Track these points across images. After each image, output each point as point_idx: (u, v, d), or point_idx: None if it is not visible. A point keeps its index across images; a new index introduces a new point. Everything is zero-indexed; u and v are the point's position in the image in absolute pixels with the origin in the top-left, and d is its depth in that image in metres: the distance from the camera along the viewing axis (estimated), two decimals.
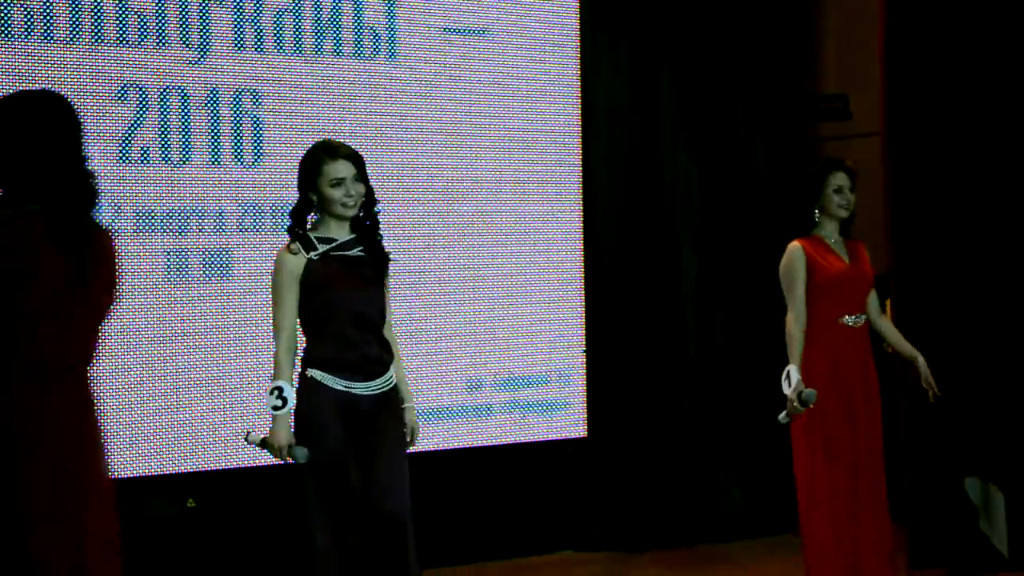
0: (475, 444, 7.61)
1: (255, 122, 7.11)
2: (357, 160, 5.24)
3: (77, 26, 6.67)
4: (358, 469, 5.12)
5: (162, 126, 6.87)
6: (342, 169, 5.19)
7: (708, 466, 8.53)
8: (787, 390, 6.04)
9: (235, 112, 7.05)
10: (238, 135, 7.07)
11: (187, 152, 6.94)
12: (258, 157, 7.11)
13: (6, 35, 6.53)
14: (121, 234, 6.70)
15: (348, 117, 7.31)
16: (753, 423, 8.57)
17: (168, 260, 6.88)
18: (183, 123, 6.93)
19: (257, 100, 7.12)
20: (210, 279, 6.97)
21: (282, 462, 5.16)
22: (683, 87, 8.55)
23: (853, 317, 6.23)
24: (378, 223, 5.30)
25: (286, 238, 6.97)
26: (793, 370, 6.06)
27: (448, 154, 7.58)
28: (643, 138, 8.44)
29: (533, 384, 7.76)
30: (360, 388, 5.18)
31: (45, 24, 6.61)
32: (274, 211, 7.11)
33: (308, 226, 5.25)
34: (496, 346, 7.65)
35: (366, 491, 5.13)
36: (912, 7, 7.58)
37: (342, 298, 5.17)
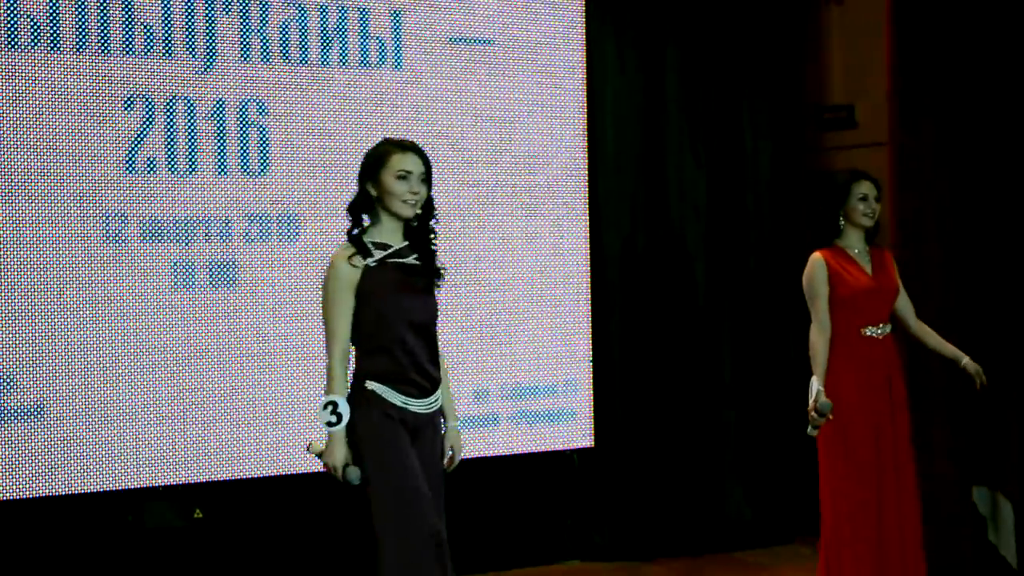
0: (482, 454, 7.60)
1: (261, 132, 7.11)
2: (426, 160, 5.02)
3: (84, 35, 6.68)
4: (420, 481, 4.91)
5: (168, 136, 6.87)
6: (410, 162, 4.97)
7: (715, 475, 8.52)
8: (810, 401, 6.04)
9: (241, 122, 7.06)
10: (244, 145, 7.07)
11: (193, 162, 6.94)
12: (264, 167, 7.11)
13: (13, 44, 6.53)
14: (127, 243, 6.75)
15: (354, 127, 7.30)
16: (760, 433, 8.57)
17: (174, 270, 6.87)
18: (189, 133, 6.93)
19: (263, 110, 7.12)
20: (216, 289, 6.97)
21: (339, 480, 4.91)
22: (690, 96, 8.54)
23: (876, 328, 6.21)
24: (434, 233, 5.09)
25: (292, 248, 7.05)
26: (815, 381, 6.07)
27: (454, 164, 7.57)
28: (650, 147, 8.44)
29: (540, 394, 7.75)
30: (416, 406, 4.96)
31: (51, 33, 6.61)
32: (280, 221, 7.12)
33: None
34: (503, 356, 7.65)
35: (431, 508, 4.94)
36: (918, 17, 7.58)
37: (400, 308, 4.95)
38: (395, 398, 4.92)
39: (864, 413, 6.15)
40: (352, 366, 5.01)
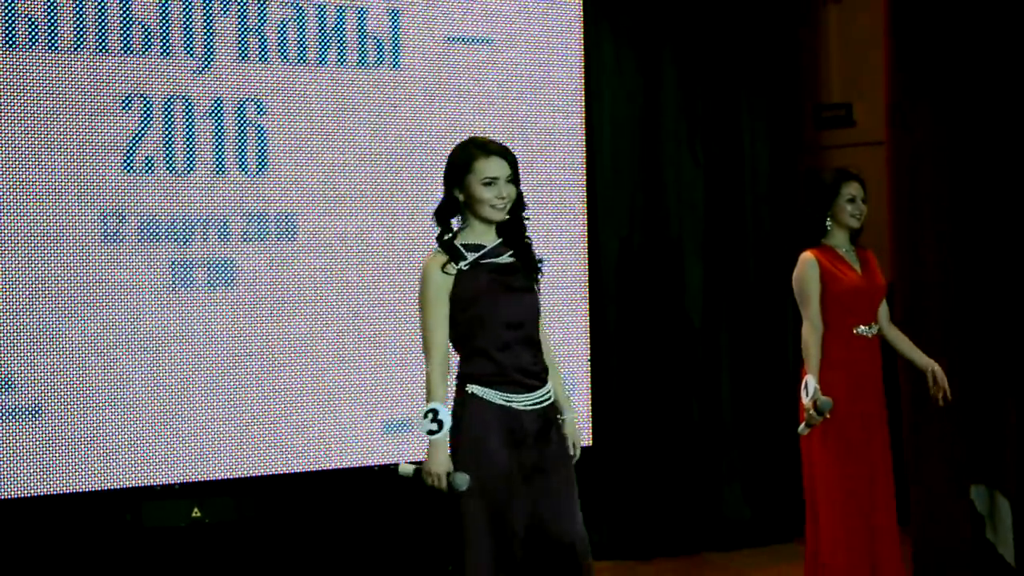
0: None
1: (259, 131, 7.11)
2: (511, 159, 4.93)
3: (82, 34, 6.68)
4: (525, 491, 4.84)
5: (166, 135, 6.87)
6: (495, 167, 4.89)
7: (713, 475, 8.52)
8: (805, 400, 6.04)
9: (239, 121, 7.06)
10: (242, 145, 7.07)
11: (191, 161, 6.94)
12: (262, 167, 7.11)
13: (11, 42, 6.53)
14: (125, 244, 6.76)
15: (352, 127, 7.31)
16: (758, 432, 8.57)
17: (172, 269, 6.87)
18: (187, 132, 6.93)
19: (261, 110, 7.12)
20: (214, 289, 6.97)
21: (442, 490, 4.83)
22: (687, 96, 8.55)
23: (867, 327, 6.23)
24: (526, 227, 5.01)
25: (290, 247, 7.04)
26: (810, 380, 6.07)
27: None
28: (648, 148, 8.45)
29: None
30: (520, 402, 4.88)
31: (50, 32, 6.61)
32: (278, 220, 7.12)
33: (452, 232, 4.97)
34: None
35: (535, 515, 4.85)
36: (916, 16, 7.57)
37: (495, 309, 4.88)
38: (496, 398, 4.85)
39: (856, 411, 6.17)
40: (454, 371, 4.95)
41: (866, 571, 6.22)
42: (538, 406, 4.91)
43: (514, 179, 4.91)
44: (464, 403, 4.88)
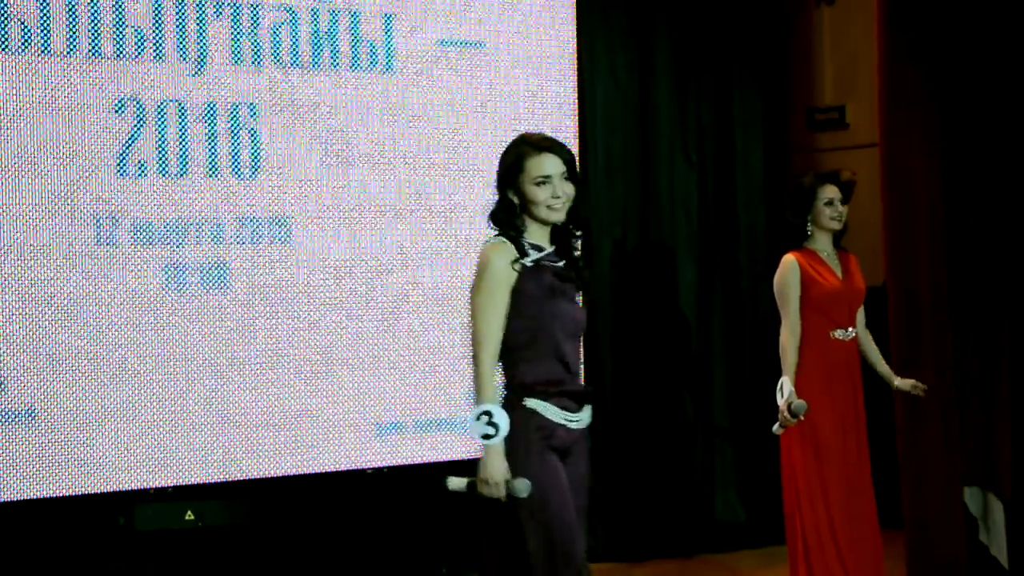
0: (474, 456, 7.58)
1: (252, 135, 7.11)
2: (566, 155, 4.59)
3: (74, 38, 6.68)
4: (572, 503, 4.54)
5: (160, 139, 6.87)
6: (549, 165, 4.54)
7: (706, 477, 8.53)
8: (780, 401, 6.08)
9: (232, 125, 7.06)
10: (235, 148, 7.07)
11: (184, 164, 6.94)
12: (255, 170, 7.11)
13: (3, 47, 6.53)
14: (118, 246, 6.76)
15: (345, 130, 7.32)
16: (751, 434, 8.58)
17: (165, 273, 6.87)
18: (180, 136, 6.93)
19: (254, 113, 7.12)
20: (207, 291, 6.97)
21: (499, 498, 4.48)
22: (680, 98, 8.56)
23: (844, 331, 6.26)
24: (577, 238, 4.69)
25: (283, 250, 7.03)
26: (786, 382, 6.11)
27: (446, 166, 7.58)
28: (640, 148, 8.46)
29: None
30: (572, 422, 4.58)
31: (42, 37, 6.61)
32: (271, 224, 7.12)
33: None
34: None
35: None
36: (909, 17, 7.58)
37: (558, 314, 4.54)
38: (554, 414, 4.53)
39: (833, 414, 6.21)
40: (500, 377, 4.61)
41: (847, 571, 6.24)
42: (580, 426, 4.63)
43: (571, 176, 4.58)
44: (517, 414, 4.50)
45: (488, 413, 4.43)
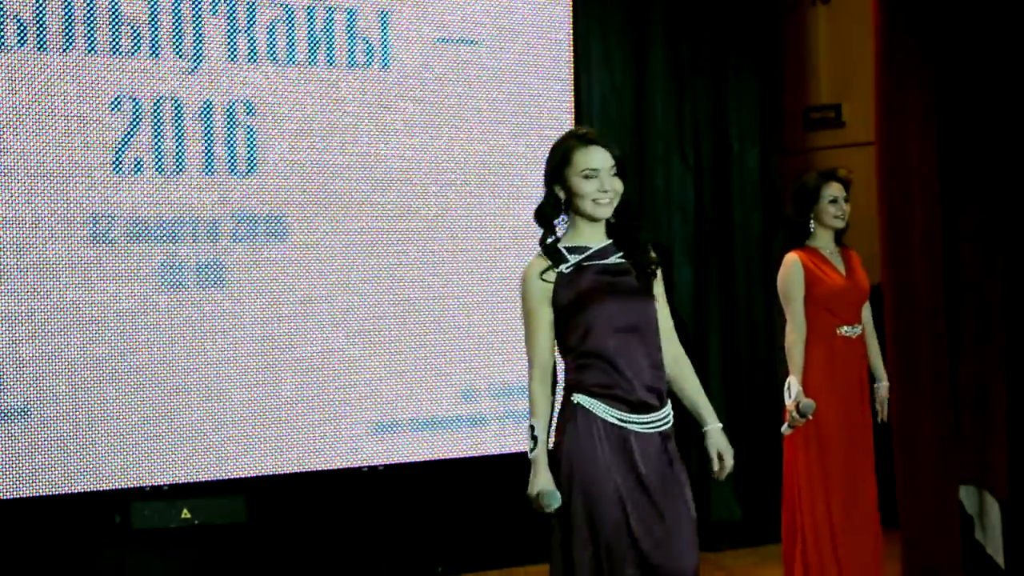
0: (470, 454, 7.61)
1: (248, 132, 7.11)
2: (616, 151, 4.46)
3: (70, 36, 6.68)
4: (637, 517, 4.35)
5: (156, 137, 6.88)
6: (597, 158, 4.42)
7: (702, 475, 8.51)
8: (788, 402, 6.06)
9: (228, 122, 7.06)
10: (231, 145, 7.07)
11: (180, 162, 6.94)
12: (252, 167, 7.11)
13: (0, 45, 6.53)
14: (115, 244, 6.75)
15: (341, 127, 7.32)
16: (748, 432, 8.58)
17: (161, 270, 6.88)
18: (177, 133, 6.93)
19: (250, 110, 7.12)
20: (203, 289, 6.97)
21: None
22: (677, 97, 8.56)
23: (850, 328, 6.25)
24: (638, 226, 4.55)
25: (279, 248, 7.03)
26: (793, 381, 6.09)
27: (442, 164, 7.59)
28: (637, 148, 8.45)
29: (527, 393, 7.72)
30: (636, 424, 4.40)
31: (39, 34, 6.61)
32: (268, 221, 7.12)
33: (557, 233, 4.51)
34: (490, 355, 7.64)
35: (641, 545, 4.35)
36: (905, 16, 7.58)
37: (605, 314, 4.39)
38: (607, 414, 4.39)
39: (838, 413, 6.19)
40: (562, 381, 4.50)
41: (846, 571, 6.24)
42: (653, 429, 4.43)
43: (620, 172, 4.46)
44: (571, 414, 4.40)
45: (531, 428, 4.38)
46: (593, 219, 4.47)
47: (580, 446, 4.36)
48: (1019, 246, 7.58)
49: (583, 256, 4.45)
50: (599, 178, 4.41)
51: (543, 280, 4.42)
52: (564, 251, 4.45)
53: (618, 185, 4.44)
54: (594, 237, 4.48)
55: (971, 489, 7.61)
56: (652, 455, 4.42)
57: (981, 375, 7.52)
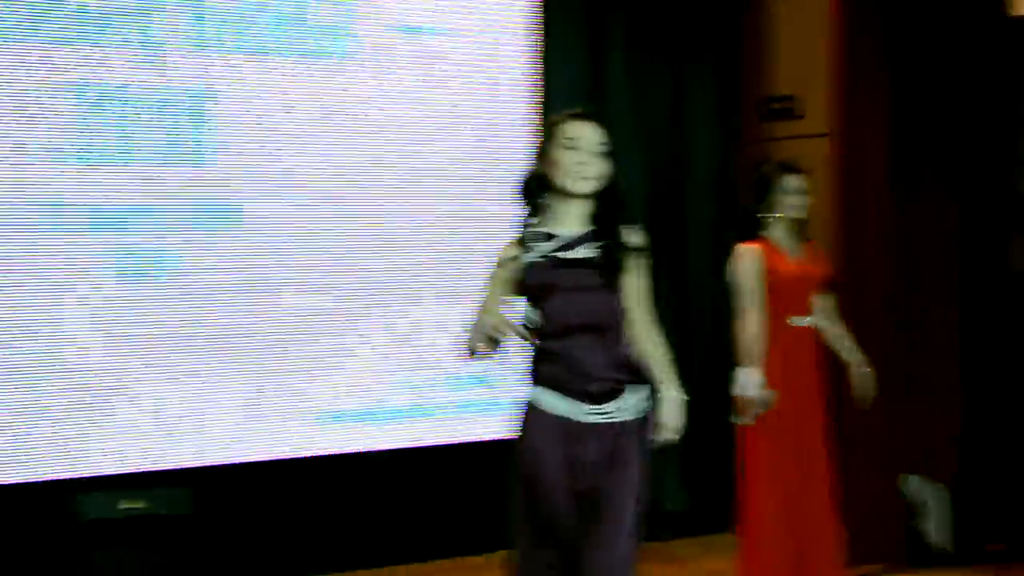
0: (416, 444, 7.64)
1: (205, 121, 7.11)
2: (605, 133, 4.34)
3: (28, 23, 6.66)
4: (576, 507, 4.35)
5: (111, 125, 6.86)
6: (583, 131, 4.30)
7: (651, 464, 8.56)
8: (746, 391, 6.06)
9: (183, 111, 7.05)
10: (187, 134, 7.07)
11: (137, 151, 6.93)
12: (210, 157, 7.11)
13: None
14: (71, 233, 6.76)
15: (297, 117, 7.33)
16: (695, 422, 8.59)
17: (116, 259, 6.89)
18: (133, 121, 6.91)
19: (206, 99, 7.12)
20: (158, 278, 6.97)
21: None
22: (634, 85, 8.55)
23: (803, 318, 6.28)
24: (620, 215, 4.39)
25: (233, 237, 7.03)
26: (754, 371, 6.10)
27: (403, 153, 7.60)
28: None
29: (477, 383, 7.77)
30: (584, 415, 4.35)
31: None
32: (223, 211, 7.13)
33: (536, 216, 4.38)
34: (440, 345, 7.67)
35: (579, 538, 4.35)
36: (863, 7, 7.61)
37: (562, 308, 4.32)
38: (556, 407, 4.36)
39: (790, 402, 6.22)
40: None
41: (797, 561, 6.28)
42: (605, 420, 4.38)
43: (606, 155, 4.33)
44: (525, 406, 4.42)
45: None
46: (569, 195, 4.32)
47: (528, 442, 4.37)
48: (973, 237, 7.63)
49: (551, 247, 4.34)
50: (581, 150, 4.27)
51: (510, 257, 4.36)
52: (535, 237, 4.35)
53: (601, 167, 4.30)
54: (570, 223, 4.35)
55: (914, 478, 7.67)
56: (601, 448, 4.37)
57: (932, 365, 7.59)
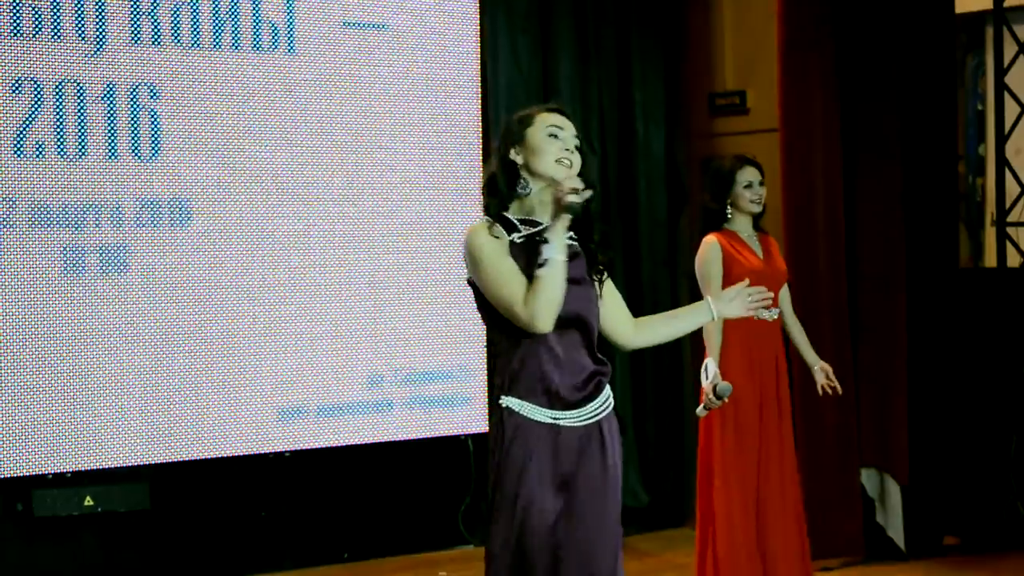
0: (376, 439, 7.59)
1: (152, 116, 7.03)
2: (578, 130, 4.17)
3: None
4: (563, 523, 4.04)
5: (58, 120, 6.78)
6: (563, 122, 4.10)
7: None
8: (705, 383, 6.06)
9: (132, 105, 6.97)
10: (135, 129, 6.98)
11: (83, 146, 6.85)
12: (155, 151, 7.03)
13: None
14: (16, 228, 6.66)
15: (246, 111, 7.26)
16: (653, 418, 8.63)
17: (64, 255, 6.79)
18: (79, 116, 6.84)
19: (154, 94, 7.04)
20: (107, 274, 6.89)
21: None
22: (582, 83, 8.56)
23: (767, 312, 6.27)
24: (595, 214, 4.19)
25: (183, 233, 6.96)
26: (711, 363, 6.08)
27: (348, 149, 7.55)
28: None
29: (434, 379, 7.74)
30: (568, 419, 4.07)
31: None
32: (172, 205, 7.05)
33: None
34: (397, 341, 7.62)
35: (563, 547, 4.03)
36: (809, 3, 7.65)
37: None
38: (539, 414, 4.06)
39: (752, 395, 6.21)
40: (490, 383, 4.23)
41: (760, 556, 6.27)
42: (588, 421, 4.11)
43: (580, 150, 4.13)
44: (502, 422, 4.06)
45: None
46: (554, 183, 4.06)
47: (514, 458, 4.03)
48: (921, 236, 7.68)
49: (536, 230, 4.09)
50: (564, 139, 4.09)
51: (494, 235, 4.05)
52: (516, 221, 4.11)
53: (578, 159, 4.11)
54: (546, 212, 4.10)
55: (872, 472, 7.71)
56: (584, 450, 4.10)
57: (883, 362, 7.62)
